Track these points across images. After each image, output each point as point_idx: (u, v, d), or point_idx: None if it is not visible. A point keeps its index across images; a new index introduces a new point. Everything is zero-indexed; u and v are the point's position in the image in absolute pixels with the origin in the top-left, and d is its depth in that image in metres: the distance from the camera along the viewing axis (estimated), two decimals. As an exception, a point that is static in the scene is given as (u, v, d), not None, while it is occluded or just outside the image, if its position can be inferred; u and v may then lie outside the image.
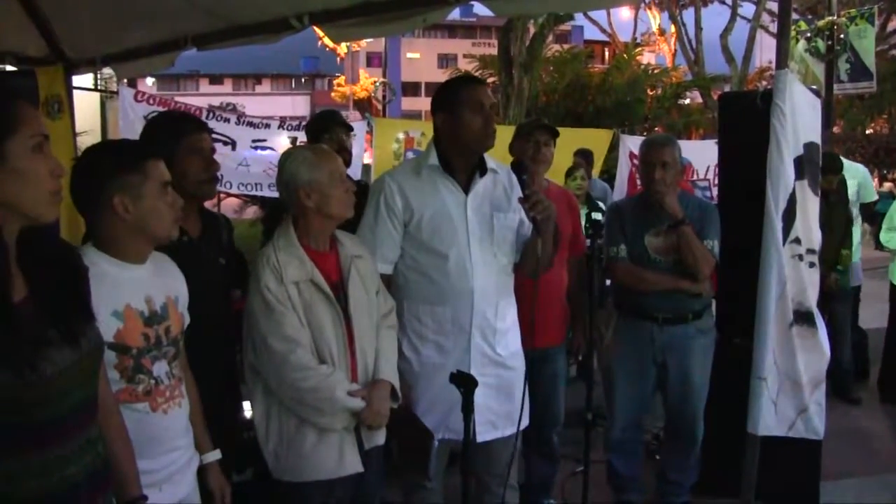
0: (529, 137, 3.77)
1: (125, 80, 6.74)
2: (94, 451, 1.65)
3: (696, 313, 3.79)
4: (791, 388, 3.61)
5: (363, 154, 8.20)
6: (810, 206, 3.67)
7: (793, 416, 3.66)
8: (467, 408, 2.42)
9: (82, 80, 7.14)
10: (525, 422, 3.01)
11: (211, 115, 7.32)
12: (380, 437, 2.72)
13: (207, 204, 2.97)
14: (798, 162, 3.54)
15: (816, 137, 3.73)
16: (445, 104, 2.95)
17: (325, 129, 3.92)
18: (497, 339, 2.98)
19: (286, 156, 2.68)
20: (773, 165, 3.46)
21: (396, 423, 2.72)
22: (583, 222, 4.03)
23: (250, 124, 7.53)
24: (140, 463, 1.97)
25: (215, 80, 66.90)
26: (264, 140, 7.45)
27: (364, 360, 2.64)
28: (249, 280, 2.58)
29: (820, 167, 3.89)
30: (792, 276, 3.53)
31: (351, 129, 4.01)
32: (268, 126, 7.61)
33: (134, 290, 2.12)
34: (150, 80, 50.96)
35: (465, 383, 2.42)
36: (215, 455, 2.46)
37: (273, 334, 2.48)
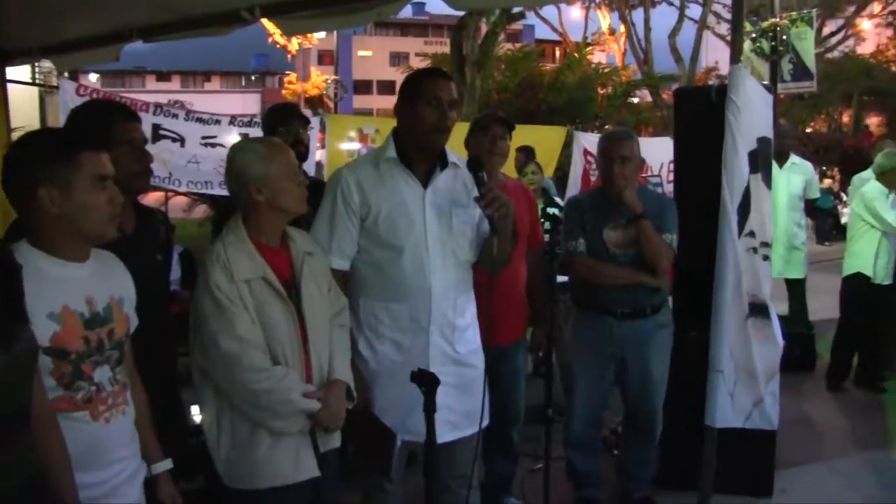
0: (486, 131, 3.71)
1: (66, 74, 6.52)
2: (28, 464, 1.56)
3: (655, 307, 3.79)
4: (747, 380, 3.65)
5: (315, 151, 8.10)
6: (764, 200, 3.71)
7: (749, 407, 3.70)
8: (429, 407, 2.34)
9: (18, 72, 6.88)
10: (486, 421, 2.96)
11: (159, 110, 7.10)
12: (336, 440, 2.64)
13: (149, 202, 2.85)
14: (752, 156, 3.57)
15: (769, 132, 3.77)
16: (406, 96, 2.89)
17: (282, 121, 3.82)
18: (456, 337, 2.92)
19: (236, 149, 2.57)
20: (728, 159, 3.48)
21: (354, 424, 2.65)
22: (539, 217, 4.04)
23: (199, 120, 7.33)
24: (79, 476, 1.88)
25: (163, 76, 65.93)
26: (214, 137, 7.26)
27: (319, 360, 2.55)
28: (197, 278, 2.47)
29: (772, 161, 3.95)
30: (747, 268, 3.57)
31: (308, 121, 3.90)
32: (218, 122, 7.42)
33: (73, 290, 2.00)
34: (93, 76, 49.93)
35: (427, 382, 2.34)
36: (165, 465, 2.36)
37: (224, 335, 2.37)
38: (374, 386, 2.86)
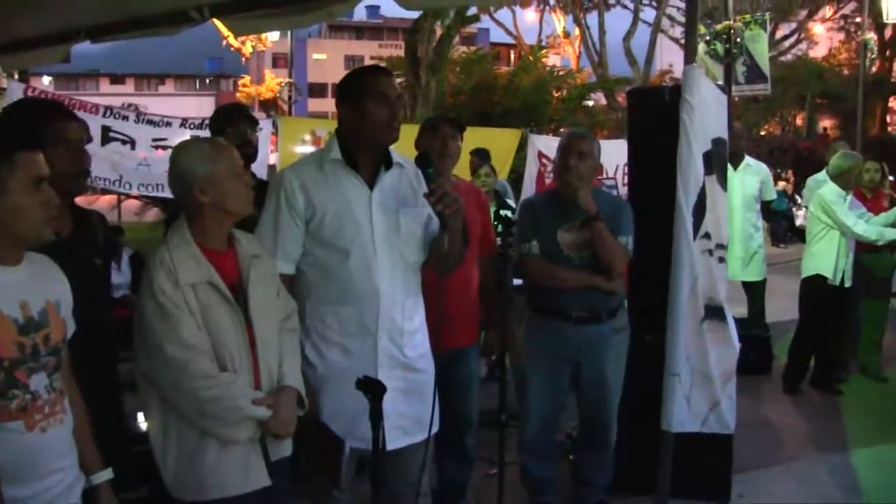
0: (436, 132, 3.65)
1: (16, 76, 6.41)
2: None
3: (611, 311, 3.72)
4: (703, 384, 3.63)
5: (268, 154, 7.99)
6: (719, 202, 3.70)
7: (705, 411, 3.69)
8: (375, 415, 2.30)
9: None
10: (436, 427, 2.89)
11: (108, 112, 7.03)
12: (286, 448, 2.56)
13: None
14: (707, 157, 3.56)
15: (724, 133, 3.76)
16: (349, 94, 2.82)
17: (229, 122, 3.72)
18: (405, 341, 2.85)
19: (179, 149, 2.49)
20: (683, 160, 3.46)
21: (303, 431, 2.58)
22: (492, 219, 3.97)
23: (150, 122, 7.24)
24: (12, 489, 1.81)
25: (116, 79, 65.15)
26: (165, 139, 7.13)
27: (267, 366, 2.48)
28: (141, 283, 2.39)
29: (727, 162, 3.93)
30: (703, 271, 3.55)
31: (256, 122, 3.82)
32: (169, 125, 7.31)
33: (6, 294, 1.92)
34: (46, 79, 49.12)
35: (372, 389, 2.30)
36: (106, 475, 2.27)
37: (169, 341, 2.29)
38: (322, 392, 2.78)
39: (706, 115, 3.52)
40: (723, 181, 3.75)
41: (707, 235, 3.59)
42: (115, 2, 3.88)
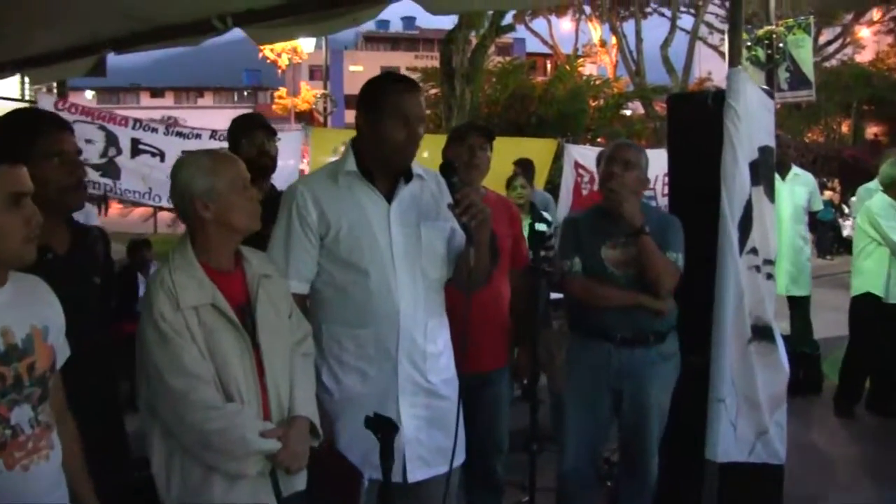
0: (463, 141, 3.46)
1: (54, 89, 6.49)
2: None
3: (659, 335, 3.42)
4: (749, 410, 3.41)
5: (299, 165, 7.91)
6: (767, 214, 3.47)
7: (752, 439, 3.46)
8: (386, 455, 2.11)
9: (8, 89, 6.85)
10: (461, 458, 2.72)
11: (138, 125, 7.04)
12: (300, 482, 2.37)
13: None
14: (753, 166, 3.34)
15: (771, 141, 3.53)
16: (369, 106, 2.62)
17: (244, 132, 3.56)
18: (428, 365, 2.66)
19: (180, 163, 2.33)
20: (728, 171, 3.25)
21: (317, 463, 2.39)
22: (526, 233, 3.76)
23: (180, 134, 7.21)
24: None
25: (156, 93, 66.21)
26: (195, 152, 7.07)
27: (277, 394, 2.31)
28: (142, 307, 2.24)
29: (775, 172, 3.70)
30: (749, 288, 3.33)
31: (274, 132, 3.65)
32: (199, 136, 7.26)
33: None
34: (89, 93, 49.96)
35: (383, 428, 2.12)
36: None
37: (169, 369, 2.13)
38: (339, 420, 2.60)
39: (752, 121, 3.31)
40: (770, 192, 3.52)
41: (754, 250, 3.36)
42: (139, 13, 3.90)
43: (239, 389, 2.21)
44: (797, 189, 6.59)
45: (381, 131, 2.56)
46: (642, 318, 3.38)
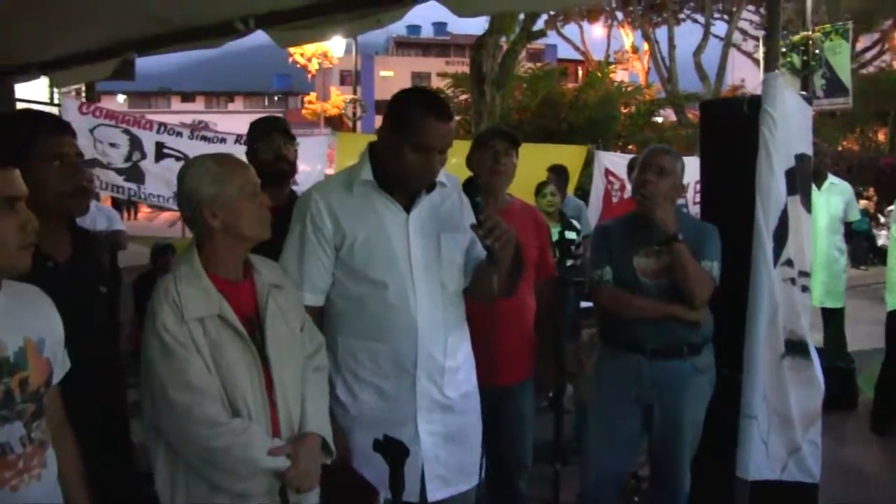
0: (487, 147, 3.33)
1: (83, 93, 6.52)
2: None
3: (693, 347, 3.28)
4: (782, 426, 3.28)
5: (325, 170, 7.86)
6: (803, 224, 3.33)
7: (784, 456, 3.33)
8: (396, 482, 2.02)
9: (38, 92, 6.90)
10: (482, 475, 2.62)
11: (162, 129, 7.02)
12: (312, 500, 2.27)
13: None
14: (790, 175, 3.20)
15: (808, 148, 3.40)
16: (393, 122, 2.48)
17: (261, 136, 3.44)
18: (446, 380, 2.54)
19: (186, 167, 2.24)
20: (763, 179, 3.12)
21: (331, 480, 2.29)
22: (556, 241, 3.66)
23: (205, 139, 7.18)
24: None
25: (187, 97, 66.91)
26: (221, 156, 7.03)
27: (287, 409, 2.20)
28: (146, 319, 2.14)
29: (811, 181, 3.56)
30: (784, 301, 3.20)
31: (293, 137, 3.53)
32: (223, 141, 7.21)
33: None
34: (120, 97, 50.55)
35: (392, 451, 2.03)
36: None
37: (173, 384, 2.04)
38: (354, 435, 2.49)
39: (789, 128, 3.17)
40: (807, 202, 3.38)
41: (789, 262, 3.23)
42: (162, 15, 3.84)
43: (246, 405, 2.11)
44: (833, 199, 6.41)
45: (400, 152, 2.43)
46: (676, 330, 3.24)
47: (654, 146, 3.51)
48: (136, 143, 6.59)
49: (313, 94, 35.87)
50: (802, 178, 3.32)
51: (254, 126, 3.53)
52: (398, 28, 61.26)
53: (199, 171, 2.18)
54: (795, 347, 3.25)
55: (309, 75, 28.27)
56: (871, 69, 27.77)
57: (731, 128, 3.52)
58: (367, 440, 2.41)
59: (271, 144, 3.35)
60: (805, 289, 3.35)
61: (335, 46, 25.15)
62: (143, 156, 6.64)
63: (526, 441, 3.40)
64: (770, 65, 3.15)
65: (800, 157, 3.29)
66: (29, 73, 4.97)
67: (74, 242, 2.41)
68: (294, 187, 3.69)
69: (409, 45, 62.47)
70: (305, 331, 2.35)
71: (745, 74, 27.85)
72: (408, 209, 2.51)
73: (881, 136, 28.67)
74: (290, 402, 2.22)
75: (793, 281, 3.24)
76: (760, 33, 21.64)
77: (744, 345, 3.18)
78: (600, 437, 3.41)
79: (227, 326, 2.12)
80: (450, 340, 2.55)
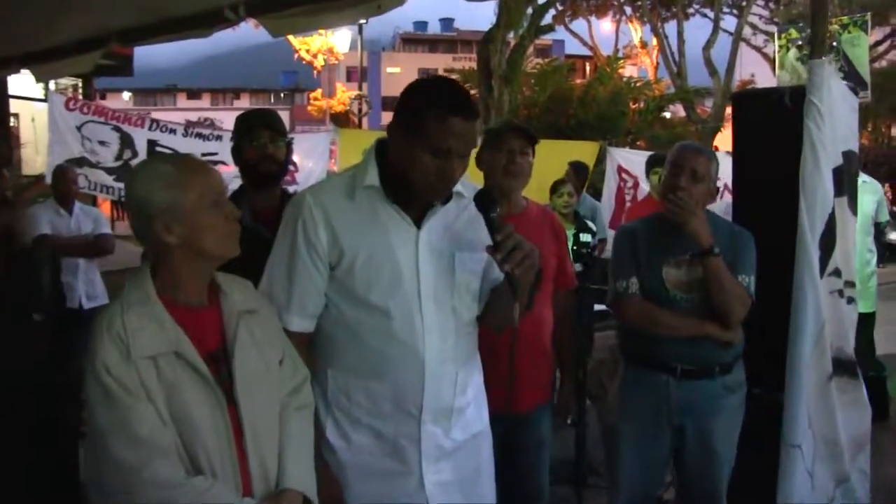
0: (501, 145, 2.94)
1: (80, 89, 6.37)
2: None
3: (725, 366, 2.96)
4: (829, 455, 2.96)
5: (326, 168, 7.59)
6: (850, 229, 3.01)
7: (832, 487, 3.01)
8: None
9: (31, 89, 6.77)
10: None
11: (155, 125, 6.84)
12: None
13: None
14: (837, 174, 2.86)
15: (855, 145, 3.07)
16: (406, 121, 2.04)
17: (246, 132, 3.06)
18: (454, 421, 2.17)
19: (136, 170, 1.88)
20: (809, 179, 2.77)
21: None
22: (570, 244, 3.32)
23: (199, 136, 6.97)
24: None
25: (193, 94, 66.77)
26: (215, 154, 6.75)
27: (261, 461, 1.83)
28: (85, 357, 1.75)
29: (857, 182, 3.23)
30: (831, 316, 2.87)
31: (283, 133, 3.15)
32: (219, 138, 6.97)
33: None
34: (126, 95, 50.42)
35: None
36: None
37: (117, 437, 1.67)
38: (347, 483, 2.13)
39: (836, 121, 2.84)
40: (854, 204, 3.07)
41: (836, 272, 2.90)
42: (147, 4, 3.64)
43: (209, 459, 1.75)
44: (865, 198, 6.01)
45: (412, 156, 2.01)
46: (708, 349, 2.92)
47: (684, 144, 3.12)
48: (126, 141, 6.38)
49: (319, 91, 35.56)
50: (849, 178, 3.02)
51: (238, 121, 3.15)
52: (405, 24, 61.03)
53: (149, 175, 1.81)
54: (844, 367, 2.95)
55: (315, 72, 27.97)
56: (884, 63, 27.37)
57: (769, 122, 3.17)
58: (361, 489, 2.10)
59: (258, 141, 2.97)
60: (851, 300, 3.04)
61: (340, 41, 24.91)
62: (135, 154, 6.42)
63: (543, 470, 3.06)
64: (816, 49, 2.80)
65: (847, 155, 2.98)
66: (8, 67, 4.76)
67: (6, 261, 2.07)
68: (294, 187, 3.37)
69: (415, 41, 62.19)
70: (286, 364, 1.98)
71: (755, 69, 27.44)
72: (418, 223, 2.10)
73: (894, 131, 28.33)
74: (265, 452, 1.85)
75: (840, 293, 2.93)
76: (771, 28, 21.32)
77: (786, 366, 2.85)
78: (631, 461, 3.09)
79: (187, 365, 1.75)
80: (461, 376, 2.17)
